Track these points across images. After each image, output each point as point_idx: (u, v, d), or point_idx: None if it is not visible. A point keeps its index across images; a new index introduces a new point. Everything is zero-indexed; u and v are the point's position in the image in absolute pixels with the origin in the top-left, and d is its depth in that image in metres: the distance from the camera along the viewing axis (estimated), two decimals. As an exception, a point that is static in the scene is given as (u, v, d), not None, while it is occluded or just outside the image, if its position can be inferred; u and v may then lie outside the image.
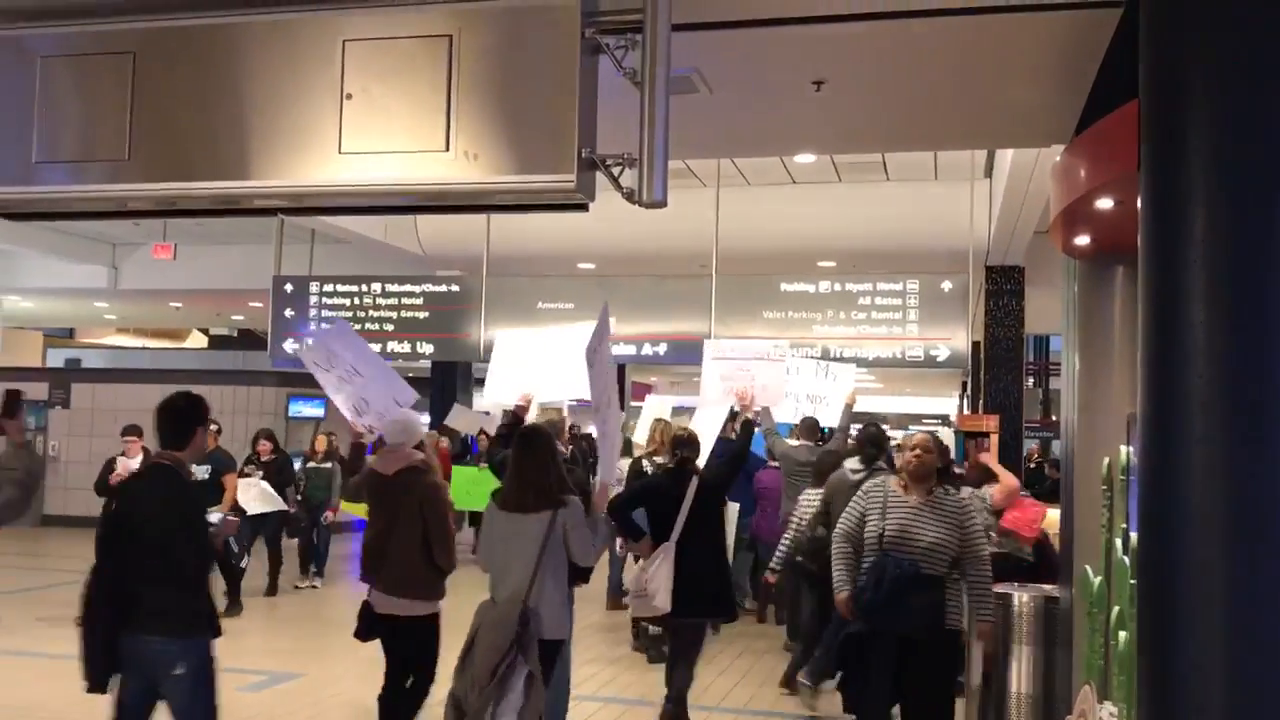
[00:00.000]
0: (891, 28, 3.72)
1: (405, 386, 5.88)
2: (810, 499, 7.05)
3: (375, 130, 3.39)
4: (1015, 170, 9.22)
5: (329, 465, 11.53)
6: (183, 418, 4.05)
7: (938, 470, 5.02)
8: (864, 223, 12.38)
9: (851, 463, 6.75)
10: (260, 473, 10.59)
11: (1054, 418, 22.40)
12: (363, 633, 5.22)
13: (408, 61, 3.38)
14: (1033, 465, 13.76)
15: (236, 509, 9.45)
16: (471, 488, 11.95)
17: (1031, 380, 18.38)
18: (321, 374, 5.88)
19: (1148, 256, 3.07)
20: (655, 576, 5.60)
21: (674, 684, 5.87)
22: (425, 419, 16.31)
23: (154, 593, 3.83)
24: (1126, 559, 3.83)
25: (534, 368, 6.34)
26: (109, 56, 3.59)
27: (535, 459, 4.62)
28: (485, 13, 3.34)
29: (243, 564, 9.68)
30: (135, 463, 8.10)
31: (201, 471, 9.01)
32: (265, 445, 11.00)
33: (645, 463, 8.57)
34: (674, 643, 6.06)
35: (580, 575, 4.94)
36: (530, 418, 5.89)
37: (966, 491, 7.04)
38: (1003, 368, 13.39)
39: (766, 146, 6.73)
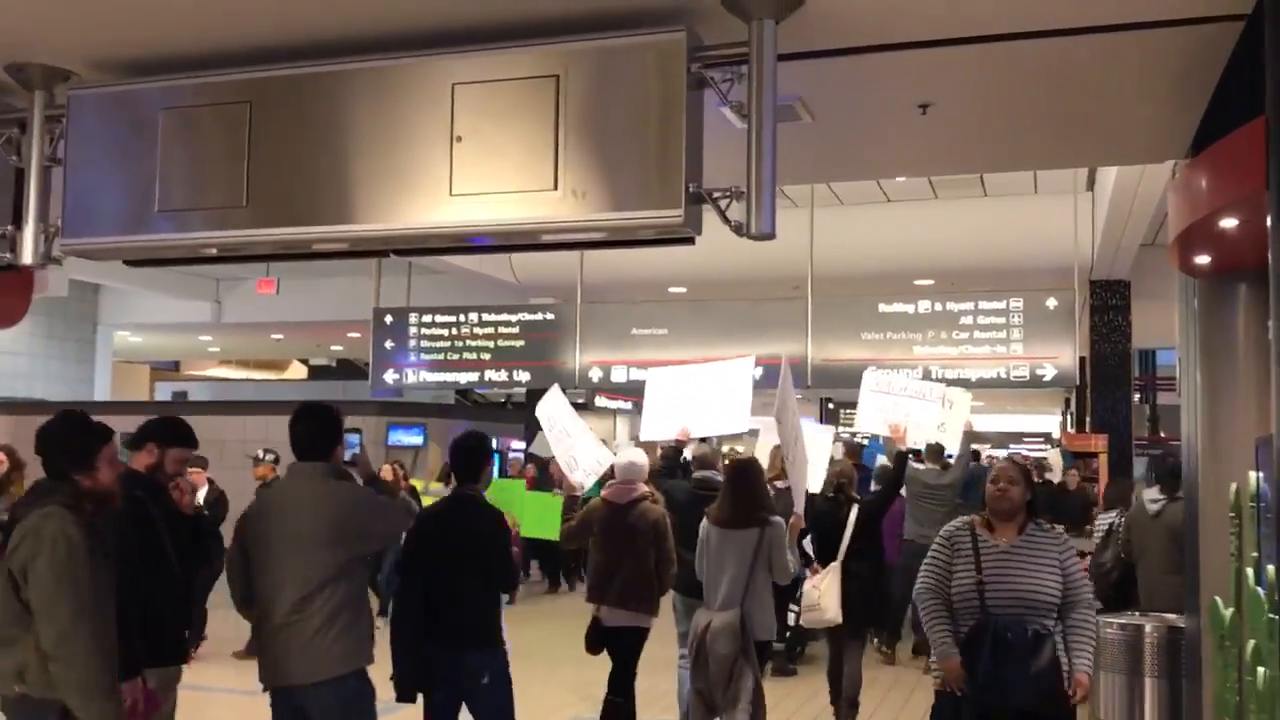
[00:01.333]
0: (999, 49, 3.65)
1: (605, 449, 6.76)
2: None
3: (485, 171, 3.44)
4: (1120, 183, 9.00)
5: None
6: (474, 455, 4.56)
7: (1027, 504, 4.22)
8: (962, 240, 12.18)
9: (1150, 493, 6.68)
10: None
11: (1162, 434, 21.71)
12: (594, 646, 5.78)
13: (516, 102, 3.42)
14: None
15: None
16: (545, 514, 10.92)
17: (1138, 396, 17.83)
18: (548, 430, 6.86)
19: (1278, 273, 2.95)
20: (827, 593, 6.21)
21: (845, 690, 6.37)
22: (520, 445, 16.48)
23: (460, 610, 4.30)
24: (1261, 590, 3.67)
25: (687, 404, 6.74)
26: (226, 107, 3.70)
27: (748, 484, 5.39)
28: (591, 52, 3.37)
29: None
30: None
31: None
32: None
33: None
34: (842, 651, 6.48)
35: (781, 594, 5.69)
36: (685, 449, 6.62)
37: (1104, 520, 6.93)
38: (1110, 385, 13.05)
39: (871, 170, 6.68)
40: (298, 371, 27.73)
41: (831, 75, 3.87)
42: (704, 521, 5.44)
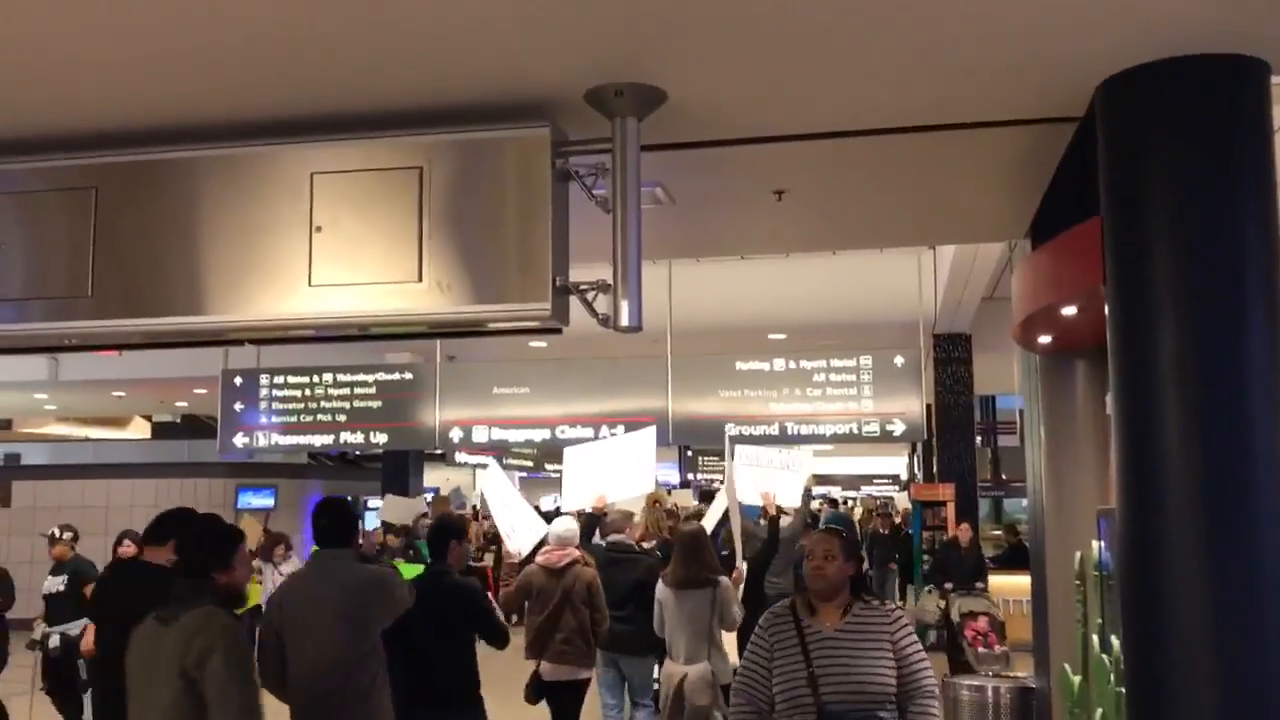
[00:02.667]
0: (850, 143, 3.80)
1: (540, 521, 7.37)
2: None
3: (346, 262, 3.37)
4: (961, 248, 9.42)
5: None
6: (441, 534, 4.94)
7: (852, 579, 3.68)
8: (813, 296, 12.52)
9: None
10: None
11: (1004, 476, 22.62)
12: (533, 696, 6.33)
13: (378, 193, 3.38)
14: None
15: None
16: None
17: (980, 439, 18.57)
18: (490, 502, 7.56)
19: (1120, 376, 3.13)
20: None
21: None
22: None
23: (445, 673, 4.69)
24: (1106, 658, 3.85)
25: (601, 473, 7.44)
26: (70, 193, 3.55)
27: (698, 551, 6.02)
28: (455, 145, 3.35)
29: None
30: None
31: (56, 583, 8.25)
32: (127, 548, 7.69)
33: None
34: None
35: None
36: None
37: None
38: (955, 434, 13.54)
39: (729, 249, 6.90)
40: (140, 428, 26.55)
41: (691, 164, 3.95)
42: (659, 584, 6.12)
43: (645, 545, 7.75)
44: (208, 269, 3.45)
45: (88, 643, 7.34)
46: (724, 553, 9.17)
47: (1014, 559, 12.29)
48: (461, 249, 3.31)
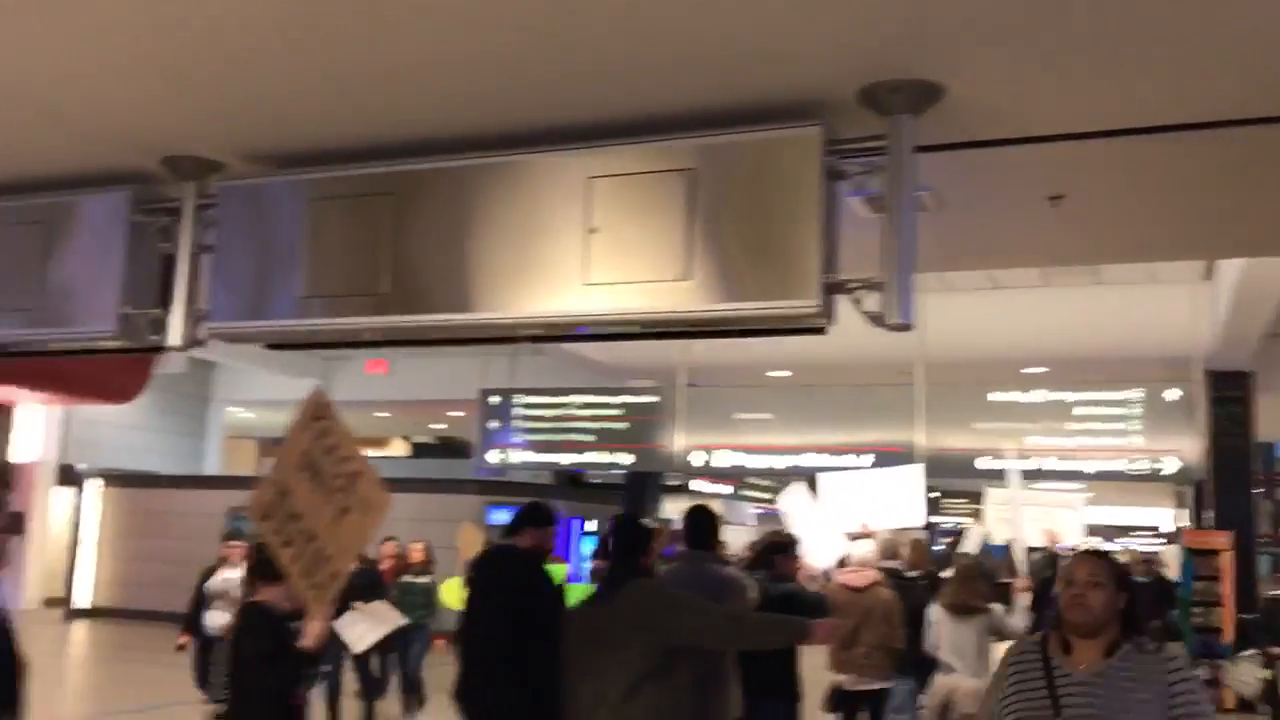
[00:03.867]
0: (1136, 142, 3.61)
1: (839, 541, 7.78)
2: None
3: (619, 262, 3.48)
4: (1246, 274, 8.77)
5: (426, 579, 9.70)
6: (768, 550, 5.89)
7: (1123, 613, 3.06)
8: (1073, 328, 11.96)
9: None
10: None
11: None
12: (830, 706, 6.86)
13: (650, 195, 3.47)
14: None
15: None
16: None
17: (1261, 490, 17.15)
18: (793, 518, 8.05)
19: None
20: None
21: None
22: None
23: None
24: None
25: (862, 502, 8.07)
26: (370, 199, 3.83)
27: (974, 579, 6.66)
28: (727, 146, 3.41)
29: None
30: None
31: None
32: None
33: None
34: None
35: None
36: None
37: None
38: (1231, 479, 12.57)
39: (997, 261, 6.67)
40: (399, 448, 28.19)
41: (963, 166, 3.86)
42: (934, 607, 6.69)
43: (913, 574, 7.81)
44: (493, 269, 3.63)
45: None
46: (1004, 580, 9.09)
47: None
48: (731, 248, 3.36)
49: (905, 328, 3.27)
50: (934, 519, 25.20)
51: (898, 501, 7.86)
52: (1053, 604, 8.21)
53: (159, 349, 4.26)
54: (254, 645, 4.33)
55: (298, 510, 3.77)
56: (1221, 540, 11.85)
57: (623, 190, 3.52)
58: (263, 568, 4.36)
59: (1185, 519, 19.65)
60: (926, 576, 7.70)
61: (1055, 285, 12.07)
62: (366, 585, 8.51)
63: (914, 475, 8.44)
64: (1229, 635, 11.35)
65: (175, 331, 4.16)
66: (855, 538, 7.54)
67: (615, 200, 3.52)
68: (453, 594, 9.24)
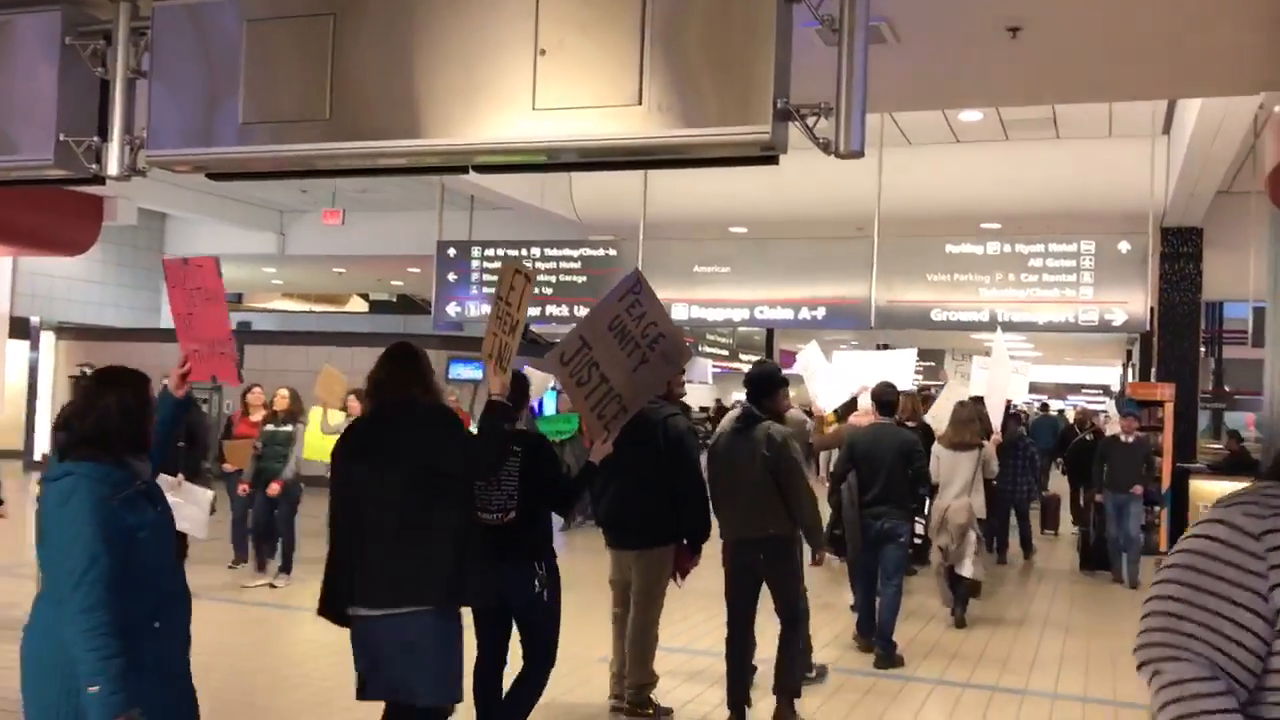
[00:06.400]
0: (1097, -32, 3.55)
1: (847, 387, 9.45)
2: None
3: (569, 85, 3.40)
4: (1201, 125, 8.74)
5: (289, 428, 9.26)
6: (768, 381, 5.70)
7: None
8: (1032, 182, 11.96)
9: None
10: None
11: (1227, 388, 21.32)
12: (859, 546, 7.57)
13: (601, 15, 3.37)
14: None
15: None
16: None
17: (1204, 348, 17.49)
18: (805, 369, 9.47)
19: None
20: None
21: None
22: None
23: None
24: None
25: (862, 375, 9.17)
26: (309, 19, 3.69)
27: (969, 422, 8.24)
28: (680, -36, 3.30)
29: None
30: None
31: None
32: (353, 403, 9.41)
33: None
34: None
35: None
36: None
37: None
38: (1178, 334, 12.81)
39: (956, 99, 6.59)
40: (357, 306, 28.02)
41: (921, -5, 3.78)
42: (936, 445, 8.29)
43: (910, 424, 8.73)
44: (438, 93, 3.54)
45: None
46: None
47: (1235, 468, 11.63)
48: (683, 71, 3.28)
49: (857, 155, 3.24)
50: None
51: (892, 372, 8.68)
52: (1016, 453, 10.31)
53: (98, 179, 4.15)
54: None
55: (596, 359, 4.47)
56: (1165, 392, 12.14)
57: (573, 9, 3.42)
58: None
59: (1133, 377, 20.09)
60: (920, 425, 9.02)
61: (1015, 139, 12.02)
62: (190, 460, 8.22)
63: (908, 356, 9.71)
64: (1167, 484, 11.73)
65: (114, 160, 4.04)
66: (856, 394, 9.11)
67: (565, 19, 3.41)
68: (315, 446, 9.14)
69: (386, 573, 3.59)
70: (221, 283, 4.10)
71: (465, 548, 3.63)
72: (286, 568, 9.14)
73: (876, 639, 7.17)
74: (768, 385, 5.58)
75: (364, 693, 3.73)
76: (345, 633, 3.77)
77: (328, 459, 4.01)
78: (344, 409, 9.72)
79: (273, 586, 8.95)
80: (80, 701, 2.77)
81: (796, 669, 5.68)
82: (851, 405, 9.33)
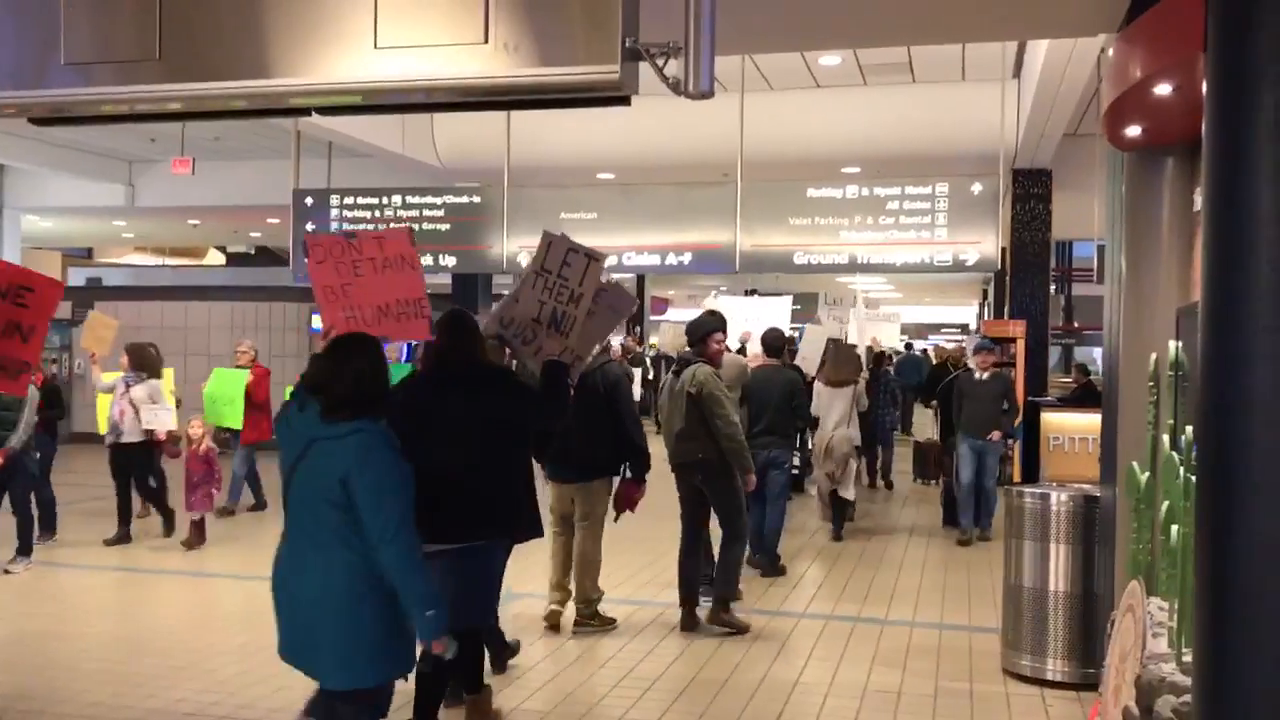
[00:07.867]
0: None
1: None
2: None
3: (412, 23, 3.29)
4: (1047, 69, 9.01)
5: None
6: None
7: None
8: (890, 126, 12.18)
9: None
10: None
11: (1076, 324, 22.27)
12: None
13: (444, -50, 3.26)
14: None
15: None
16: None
17: (1054, 286, 18.22)
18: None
19: (1212, 136, 2.96)
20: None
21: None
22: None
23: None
24: (1176, 455, 3.78)
25: (744, 319, 10.73)
26: (135, -49, 3.48)
27: (847, 362, 9.81)
28: (524, -104, 3.21)
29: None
30: None
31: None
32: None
33: None
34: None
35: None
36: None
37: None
38: (1029, 273, 13.28)
39: (810, 39, 6.63)
40: (215, 259, 27.07)
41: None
42: (818, 383, 9.67)
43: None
44: (274, 31, 3.39)
45: None
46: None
47: (1083, 400, 12.15)
48: (529, 8, 3.21)
49: (707, 95, 3.21)
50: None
51: (772, 318, 9.93)
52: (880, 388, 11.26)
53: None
54: None
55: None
56: (1017, 329, 12.60)
57: (414, -55, 3.30)
58: None
59: (988, 315, 20.79)
60: (794, 365, 9.88)
61: (873, 83, 12.20)
62: None
63: (784, 303, 11.60)
64: (1020, 418, 12.20)
65: (-76, 103, 3.77)
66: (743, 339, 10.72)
67: (406, -45, 3.30)
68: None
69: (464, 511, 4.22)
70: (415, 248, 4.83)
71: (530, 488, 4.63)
72: (24, 549, 7.99)
73: (761, 553, 8.14)
74: (697, 333, 6.72)
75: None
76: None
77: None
78: (121, 366, 9.29)
79: (7, 572, 7.80)
80: (403, 624, 3.37)
81: (733, 577, 6.63)
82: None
